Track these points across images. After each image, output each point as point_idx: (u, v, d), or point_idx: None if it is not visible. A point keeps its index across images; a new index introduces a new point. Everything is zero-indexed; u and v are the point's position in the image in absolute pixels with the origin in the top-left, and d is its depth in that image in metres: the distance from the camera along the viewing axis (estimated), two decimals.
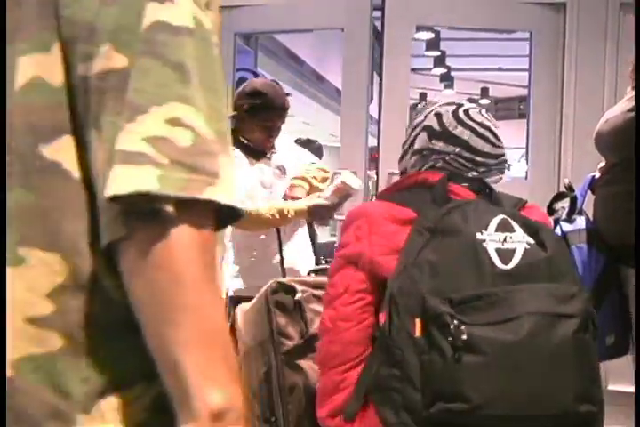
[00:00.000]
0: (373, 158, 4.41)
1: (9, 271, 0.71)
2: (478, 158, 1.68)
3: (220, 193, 0.69)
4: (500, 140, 1.71)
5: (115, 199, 0.66)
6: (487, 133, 1.70)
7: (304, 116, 10.51)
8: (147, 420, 0.73)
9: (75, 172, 0.73)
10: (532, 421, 1.34)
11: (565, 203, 2.04)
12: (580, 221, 1.98)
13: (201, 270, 0.69)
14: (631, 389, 2.05)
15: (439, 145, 1.69)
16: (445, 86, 11.96)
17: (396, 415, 1.36)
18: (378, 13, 4.29)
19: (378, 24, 4.38)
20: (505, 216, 1.46)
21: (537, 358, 1.31)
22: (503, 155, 1.71)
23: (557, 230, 1.94)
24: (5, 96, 0.74)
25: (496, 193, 1.64)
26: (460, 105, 1.75)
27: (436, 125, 1.70)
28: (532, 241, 1.43)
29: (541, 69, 4.39)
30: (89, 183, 0.72)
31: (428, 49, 8.87)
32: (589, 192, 2.13)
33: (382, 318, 1.49)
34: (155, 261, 0.67)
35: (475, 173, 1.67)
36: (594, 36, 4.22)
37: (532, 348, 1.30)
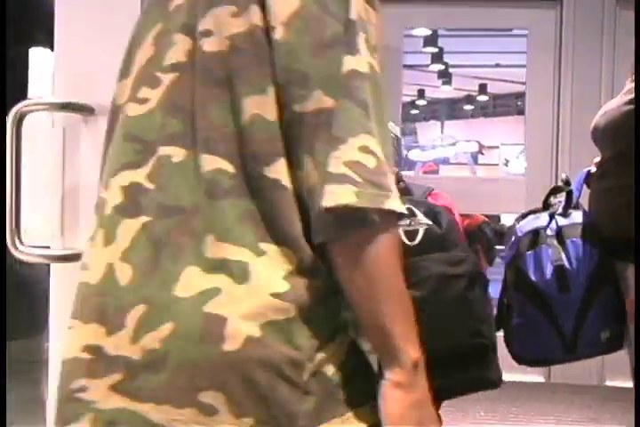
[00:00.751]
0: None
1: (256, 261, 0.93)
2: None
3: (394, 203, 0.91)
4: None
5: (327, 210, 0.89)
6: None
7: None
8: (347, 359, 0.98)
9: (289, 187, 0.94)
10: (439, 351, 1.69)
11: (562, 197, 2.03)
12: (576, 216, 1.96)
13: (397, 263, 0.95)
14: (628, 384, 2.04)
15: None
16: (443, 83, 11.96)
17: None
18: None
19: None
20: (409, 205, 1.75)
21: (438, 308, 1.67)
22: None
23: (553, 225, 1.93)
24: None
25: (407, 184, 1.98)
26: None
27: None
28: (430, 222, 1.78)
29: (538, 66, 4.39)
30: (298, 195, 0.94)
31: (425, 45, 8.86)
32: (585, 186, 2.13)
33: None
34: (367, 256, 0.91)
35: None
36: (590, 32, 4.22)
37: (435, 301, 1.67)
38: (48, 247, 1.29)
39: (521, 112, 5.20)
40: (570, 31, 4.26)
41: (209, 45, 0.97)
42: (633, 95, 1.93)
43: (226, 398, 0.90)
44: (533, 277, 1.83)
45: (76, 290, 1.00)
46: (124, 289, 0.95)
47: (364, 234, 0.91)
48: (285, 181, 0.94)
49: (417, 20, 4.81)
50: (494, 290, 1.95)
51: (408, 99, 12.30)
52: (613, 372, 4.13)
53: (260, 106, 0.94)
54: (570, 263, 1.84)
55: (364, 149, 0.91)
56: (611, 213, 1.93)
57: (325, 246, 0.93)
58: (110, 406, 0.93)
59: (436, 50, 9.34)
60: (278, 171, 0.94)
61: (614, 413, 3.75)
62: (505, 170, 13.81)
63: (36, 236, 1.27)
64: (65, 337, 0.99)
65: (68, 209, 1.29)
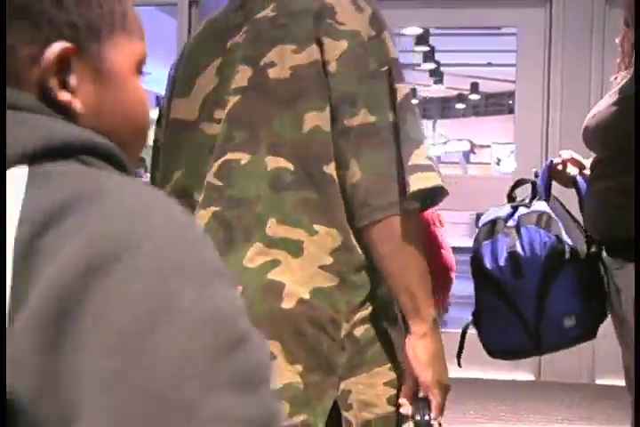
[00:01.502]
0: None
1: (309, 239, 1.19)
2: None
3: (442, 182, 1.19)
4: None
5: (413, 193, 1.16)
6: None
7: None
8: (372, 324, 1.22)
9: (337, 182, 1.20)
10: None
11: (528, 190, 2.03)
12: (538, 205, 1.94)
13: (419, 240, 1.21)
14: (619, 382, 2.04)
15: None
16: (435, 82, 11.95)
17: None
18: None
19: None
20: None
21: None
22: None
23: (515, 216, 1.90)
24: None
25: None
26: None
27: None
28: None
29: (528, 64, 4.39)
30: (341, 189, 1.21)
31: (417, 44, 8.87)
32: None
33: None
34: (400, 234, 1.17)
35: None
36: (580, 31, 4.22)
37: None
38: None
39: (513, 111, 5.20)
40: (559, 30, 4.26)
41: (274, 73, 1.23)
42: (620, 95, 1.94)
43: (282, 348, 1.15)
44: (488, 266, 1.80)
45: None
46: None
47: (405, 217, 1.18)
48: (335, 177, 1.21)
49: (408, 20, 4.81)
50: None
51: None
52: (604, 370, 4.13)
53: (320, 119, 1.21)
54: (523, 250, 1.82)
55: (428, 148, 1.23)
56: (606, 214, 1.93)
57: (366, 228, 1.18)
58: None
59: (427, 49, 9.34)
60: (332, 169, 1.21)
61: (605, 411, 3.75)
62: (497, 169, 13.83)
63: None
64: None
65: None
